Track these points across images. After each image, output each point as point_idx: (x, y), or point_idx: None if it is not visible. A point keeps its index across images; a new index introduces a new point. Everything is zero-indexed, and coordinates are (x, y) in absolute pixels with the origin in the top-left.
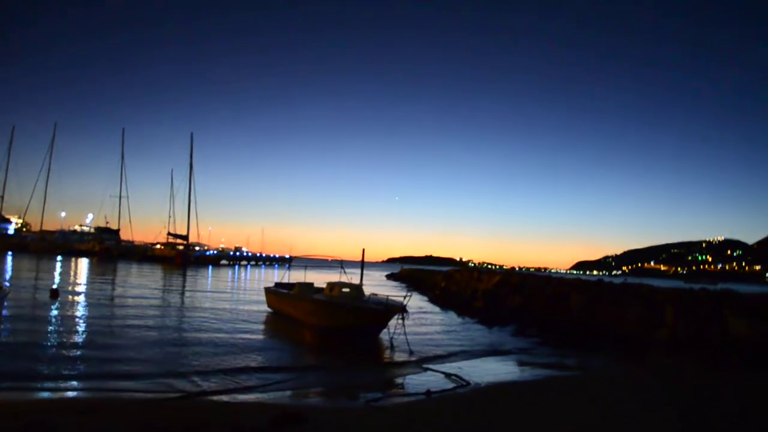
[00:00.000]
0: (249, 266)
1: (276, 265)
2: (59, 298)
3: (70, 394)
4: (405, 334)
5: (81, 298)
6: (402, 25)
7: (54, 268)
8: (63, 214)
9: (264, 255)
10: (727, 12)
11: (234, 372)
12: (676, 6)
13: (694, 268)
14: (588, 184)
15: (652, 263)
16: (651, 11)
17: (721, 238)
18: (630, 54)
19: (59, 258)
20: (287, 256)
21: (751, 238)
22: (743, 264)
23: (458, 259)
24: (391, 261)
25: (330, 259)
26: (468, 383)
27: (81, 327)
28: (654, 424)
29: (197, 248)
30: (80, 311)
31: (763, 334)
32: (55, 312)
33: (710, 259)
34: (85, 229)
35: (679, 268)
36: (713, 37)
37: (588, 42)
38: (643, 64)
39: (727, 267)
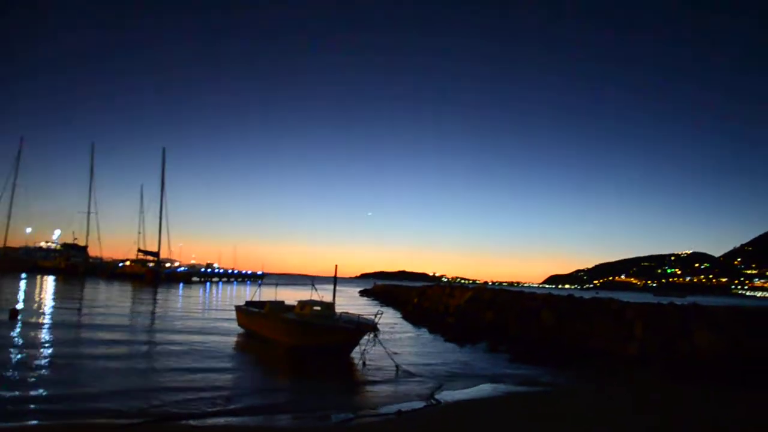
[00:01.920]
0: (221, 283)
1: (248, 282)
2: (19, 320)
3: (30, 423)
4: (387, 351)
5: (43, 320)
6: (374, 42)
7: (16, 286)
8: (28, 229)
9: (236, 271)
10: (683, 29)
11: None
12: (641, 29)
13: (663, 281)
14: (560, 199)
15: (623, 276)
16: (618, 34)
17: (689, 251)
18: (598, 73)
19: (23, 275)
20: (259, 272)
21: (717, 251)
22: (710, 276)
23: (431, 274)
24: (365, 276)
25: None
26: (439, 402)
27: (39, 354)
28: None
29: (168, 265)
30: (40, 334)
31: (727, 347)
32: (13, 335)
33: (679, 272)
34: (52, 245)
35: (649, 281)
36: (675, 54)
37: (555, 66)
38: (612, 84)
39: (695, 279)
